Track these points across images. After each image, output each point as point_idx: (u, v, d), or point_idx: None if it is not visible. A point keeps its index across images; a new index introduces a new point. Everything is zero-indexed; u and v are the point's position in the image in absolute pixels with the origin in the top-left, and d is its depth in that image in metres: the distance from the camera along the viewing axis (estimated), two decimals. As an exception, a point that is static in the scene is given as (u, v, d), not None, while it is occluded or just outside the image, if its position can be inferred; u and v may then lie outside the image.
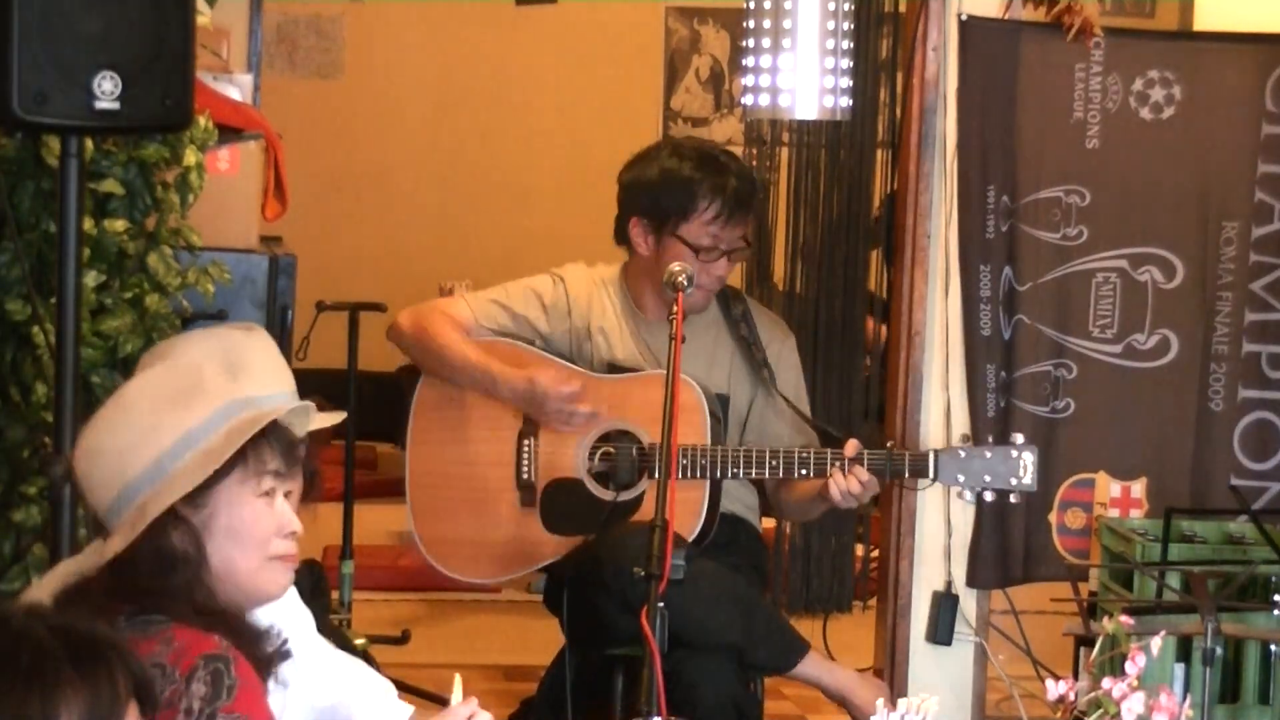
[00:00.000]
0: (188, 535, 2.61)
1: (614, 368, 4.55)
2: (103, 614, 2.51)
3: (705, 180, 4.49)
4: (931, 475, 4.40)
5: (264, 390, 2.78)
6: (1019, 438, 4.44)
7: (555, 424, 4.45)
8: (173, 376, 2.69)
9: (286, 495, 2.73)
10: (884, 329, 6.28)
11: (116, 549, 2.57)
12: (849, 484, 4.30)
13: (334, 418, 2.84)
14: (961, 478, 4.41)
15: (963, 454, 4.42)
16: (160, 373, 2.72)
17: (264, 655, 2.62)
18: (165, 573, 2.59)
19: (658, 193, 4.51)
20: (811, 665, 4.46)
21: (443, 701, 2.82)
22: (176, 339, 3.09)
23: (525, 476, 4.51)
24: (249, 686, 2.49)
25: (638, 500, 4.44)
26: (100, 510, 2.63)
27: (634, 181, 4.56)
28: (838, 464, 4.32)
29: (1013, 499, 4.47)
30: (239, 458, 2.64)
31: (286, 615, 2.91)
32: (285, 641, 2.70)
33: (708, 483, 4.40)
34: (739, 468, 4.37)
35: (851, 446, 4.34)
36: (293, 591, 2.91)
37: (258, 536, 2.67)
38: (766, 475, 4.39)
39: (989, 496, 4.44)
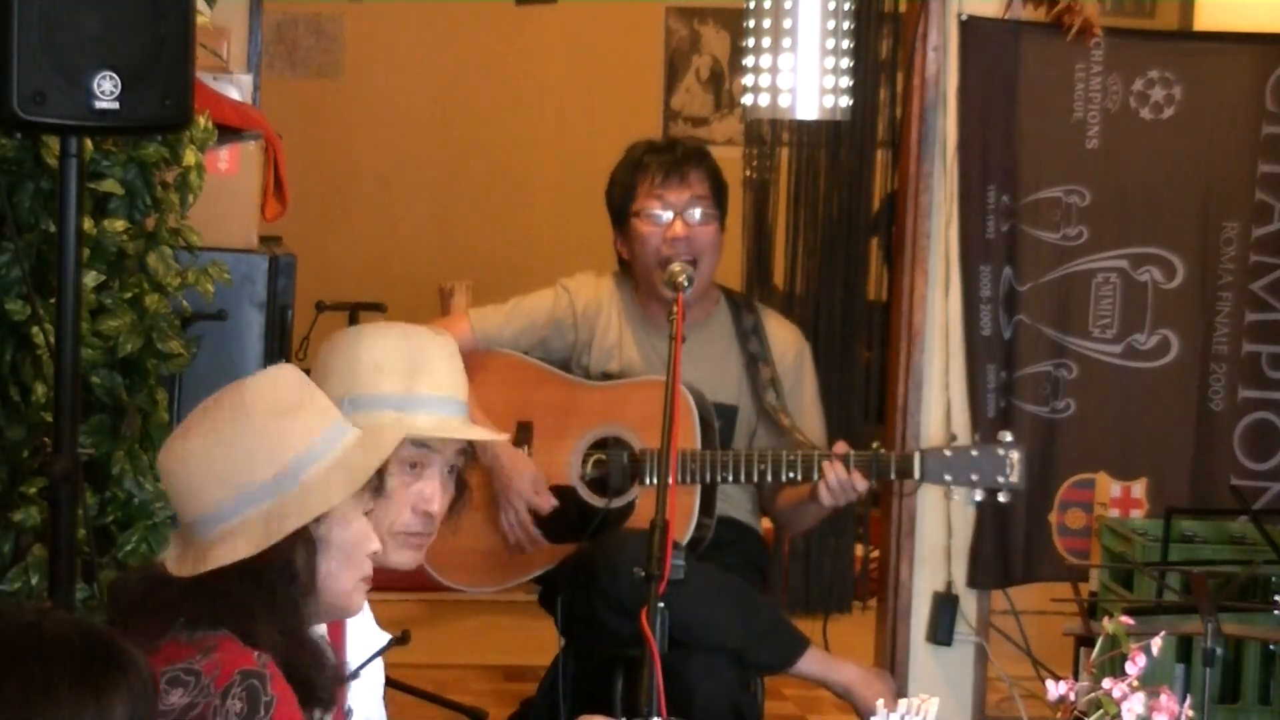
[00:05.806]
0: (309, 551, 2.49)
1: (610, 376, 4.55)
2: (167, 613, 2.43)
3: (644, 155, 4.57)
4: (917, 475, 4.40)
5: (431, 390, 2.84)
6: (1006, 436, 4.43)
7: (503, 503, 4.47)
8: (292, 383, 2.54)
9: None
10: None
11: (239, 555, 2.42)
12: (841, 472, 4.29)
13: (488, 434, 2.90)
14: (948, 477, 4.39)
15: (948, 453, 4.41)
16: (289, 373, 2.57)
17: (323, 677, 2.50)
18: (279, 586, 2.45)
19: (613, 190, 4.60)
20: (813, 662, 4.45)
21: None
22: (362, 332, 2.97)
23: None
24: (286, 702, 2.39)
25: (630, 506, 4.44)
26: (196, 512, 2.47)
27: (606, 199, 4.63)
28: (830, 459, 4.32)
29: (1001, 498, 4.45)
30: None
31: (368, 634, 2.88)
32: (342, 665, 2.63)
33: (699, 487, 4.40)
34: (728, 472, 4.36)
35: (841, 446, 4.34)
36: (368, 611, 2.82)
37: (359, 557, 2.54)
38: (755, 479, 4.38)
39: (977, 496, 4.43)
